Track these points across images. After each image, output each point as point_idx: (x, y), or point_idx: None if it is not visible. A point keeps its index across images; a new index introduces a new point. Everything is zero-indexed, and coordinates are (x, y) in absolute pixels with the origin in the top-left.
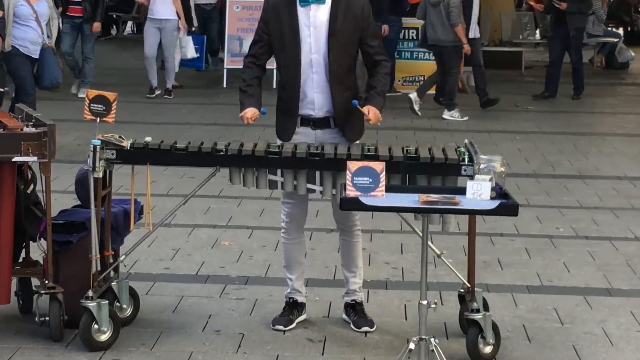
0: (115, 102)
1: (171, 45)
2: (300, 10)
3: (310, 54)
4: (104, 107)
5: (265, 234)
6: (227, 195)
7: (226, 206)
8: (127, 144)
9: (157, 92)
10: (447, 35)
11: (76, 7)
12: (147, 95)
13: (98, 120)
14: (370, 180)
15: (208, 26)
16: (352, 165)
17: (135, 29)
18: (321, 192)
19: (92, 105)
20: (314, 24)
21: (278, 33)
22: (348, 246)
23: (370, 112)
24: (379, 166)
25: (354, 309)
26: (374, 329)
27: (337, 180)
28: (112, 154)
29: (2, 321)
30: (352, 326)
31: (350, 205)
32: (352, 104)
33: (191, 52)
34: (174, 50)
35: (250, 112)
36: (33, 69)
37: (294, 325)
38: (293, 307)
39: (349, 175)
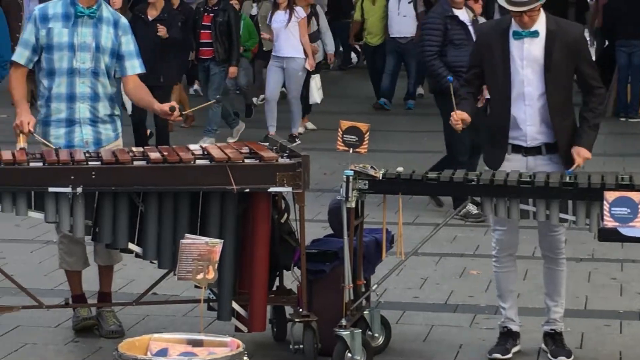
0: (368, 133)
1: (294, 88)
2: (513, 43)
3: (522, 87)
4: (356, 138)
5: None
6: (474, 224)
7: (473, 235)
8: (379, 174)
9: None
10: None
11: (206, 49)
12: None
13: (351, 151)
14: (629, 210)
15: (407, 63)
16: (610, 196)
17: None
18: (574, 222)
19: (345, 136)
20: (527, 57)
21: (489, 64)
22: (553, 275)
23: (580, 157)
24: (637, 196)
25: (553, 339)
26: (570, 359)
27: (591, 210)
28: (365, 184)
29: (258, 348)
30: (549, 355)
31: (609, 236)
32: (567, 173)
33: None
34: (298, 93)
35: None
36: None
37: (510, 355)
38: (508, 336)
39: (606, 206)
